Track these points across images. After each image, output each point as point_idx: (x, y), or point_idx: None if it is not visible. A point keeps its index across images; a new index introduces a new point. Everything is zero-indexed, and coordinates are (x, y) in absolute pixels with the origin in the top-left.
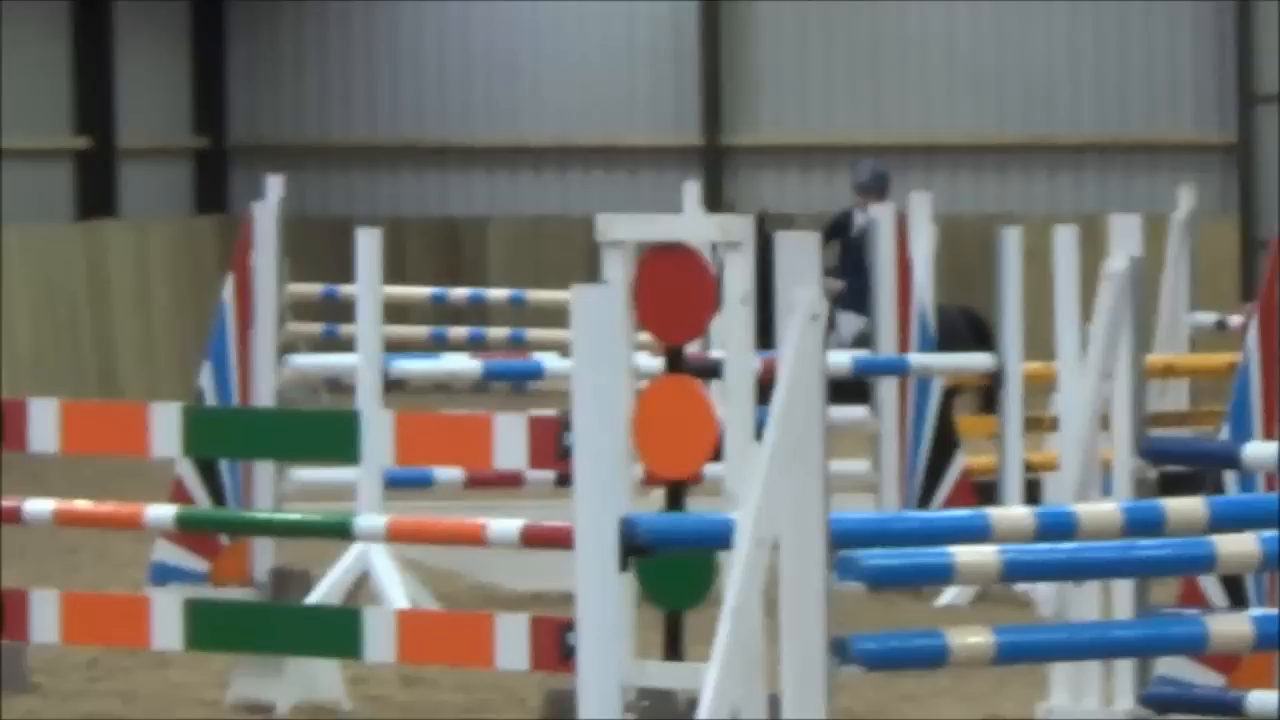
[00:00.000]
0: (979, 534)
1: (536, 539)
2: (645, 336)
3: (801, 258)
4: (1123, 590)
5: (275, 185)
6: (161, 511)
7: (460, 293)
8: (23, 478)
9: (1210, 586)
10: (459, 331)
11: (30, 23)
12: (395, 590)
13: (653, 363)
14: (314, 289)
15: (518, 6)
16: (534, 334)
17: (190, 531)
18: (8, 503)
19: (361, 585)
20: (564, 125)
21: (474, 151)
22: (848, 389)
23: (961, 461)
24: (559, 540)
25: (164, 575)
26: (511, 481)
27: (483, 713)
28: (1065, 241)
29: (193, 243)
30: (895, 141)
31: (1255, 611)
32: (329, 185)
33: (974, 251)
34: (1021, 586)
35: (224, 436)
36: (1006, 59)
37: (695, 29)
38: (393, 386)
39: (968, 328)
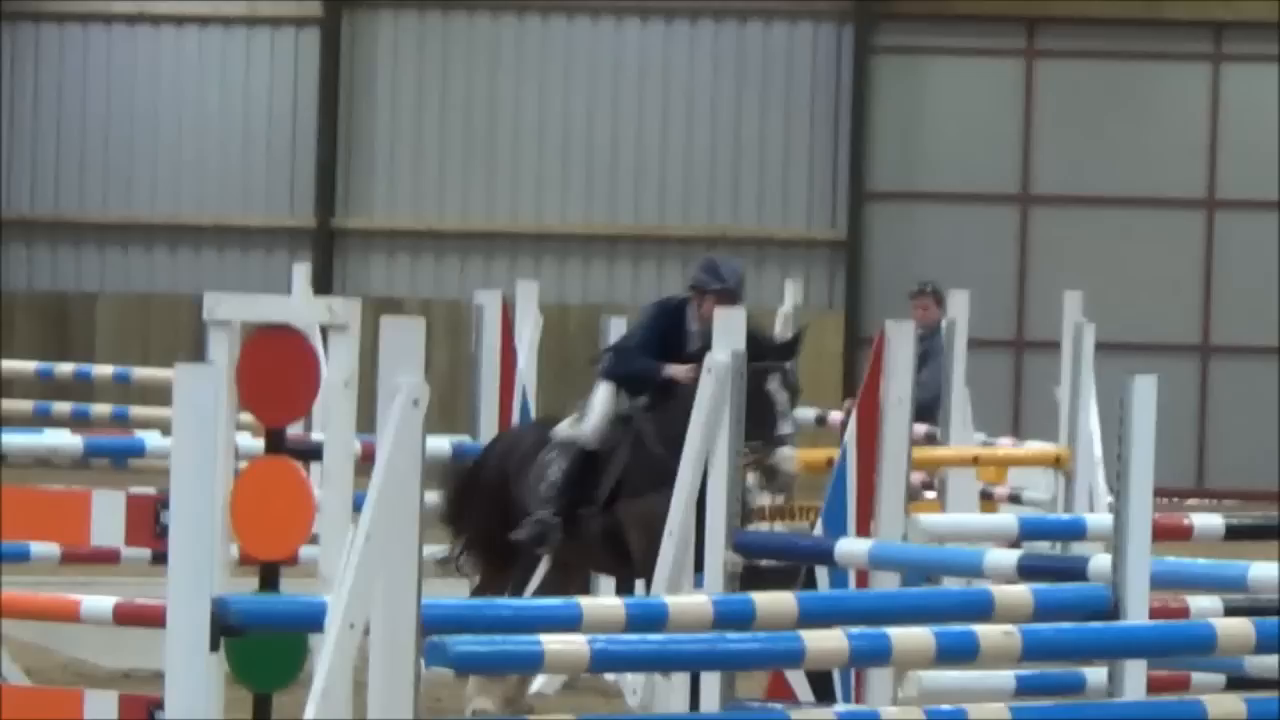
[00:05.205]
0: (570, 623)
1: (130, 617)
2: (249, 417)
3: (405, 342)
4: (711, 682)
5: None
6: None
7: (66, 368)
8: None
9: (798, 681)
10: (63, 407)
11: None
12: None
13: (254, 443)
14: None
15: (137, 86)
16: (138, 411)
17: None
18: None
19: None
20: (177, 204)
21: (85, 226)
22: None
23: None
24: (152, 618)
25: None
26: (108, 558)
27: None
28: None
29: None
30: (505, 229)
31: (840, 708)
32: None
33: (580, 340)
34: (610, 676)
35: None
36: (621, 150)
37: (313, 113)
38: None
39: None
